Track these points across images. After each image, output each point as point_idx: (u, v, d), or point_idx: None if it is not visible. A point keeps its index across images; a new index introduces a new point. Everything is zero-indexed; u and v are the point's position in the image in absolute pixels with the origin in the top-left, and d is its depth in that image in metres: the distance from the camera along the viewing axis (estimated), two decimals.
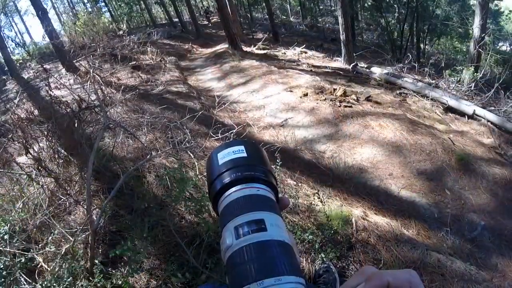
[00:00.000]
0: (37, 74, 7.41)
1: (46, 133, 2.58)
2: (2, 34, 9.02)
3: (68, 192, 2.39)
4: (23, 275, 1.92)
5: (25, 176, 2.56)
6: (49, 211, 2.26)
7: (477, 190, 2.98)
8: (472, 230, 2.64)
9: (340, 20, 6.99)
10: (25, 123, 2.53)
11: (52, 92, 2.85)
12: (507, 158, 3.37)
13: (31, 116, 2.62)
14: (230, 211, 0.41)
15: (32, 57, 9.67)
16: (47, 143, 2.92)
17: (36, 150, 2.96)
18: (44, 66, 7.67)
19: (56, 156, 2.91)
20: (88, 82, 2.66)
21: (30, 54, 10.46)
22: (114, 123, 2.38)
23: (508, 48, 12.94)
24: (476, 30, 7.15)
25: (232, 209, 0.41)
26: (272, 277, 0.35)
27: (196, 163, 2.60)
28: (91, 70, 3.05)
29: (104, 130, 2.09)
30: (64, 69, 6.87)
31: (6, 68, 8.15)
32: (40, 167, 2.06)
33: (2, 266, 1.82)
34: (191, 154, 2.68)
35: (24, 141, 2.24)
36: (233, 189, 0.43)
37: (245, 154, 0.45)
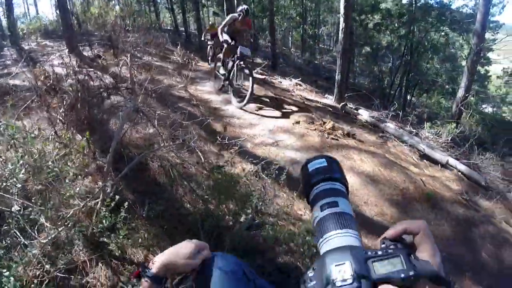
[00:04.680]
0: (39, 48, 7.43)
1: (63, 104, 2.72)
2: None
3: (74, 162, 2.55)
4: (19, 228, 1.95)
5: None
6: (53, 174, 2.36)
7: (441, 226, 3.33)
8: None
9: (338, 61, 7.48)
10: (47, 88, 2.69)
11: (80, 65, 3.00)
12: (472, 203, 3.78)
13: (53, 84, 2.77)
14: (318, 197, 0.67)
15: (40, 30, 9.64)
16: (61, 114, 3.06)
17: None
18: (45, 42, 7.75)
19: (66, 127, 3.05)
20: (121, 62, 2.85)
21: (40, 24, 10.27)
22: (140, 108, 2.60)
23: (491, 110, 13.94)
24: (461, 90, 7.85)
25: (319, 196, 0.67)
26: (347, 229, 0.61)
27: (202, 159, 2.84)
28: (130, 53, 3.24)
29: (130, 112, 2.32)
30: (67, 49, 6.91)
31: (9, 33, 8.06)
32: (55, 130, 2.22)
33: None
34: (199, 152, 2.92)
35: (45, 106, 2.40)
36: (320, 184, 0.69)
37: (326, 164, 0.71)
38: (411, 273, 0.50)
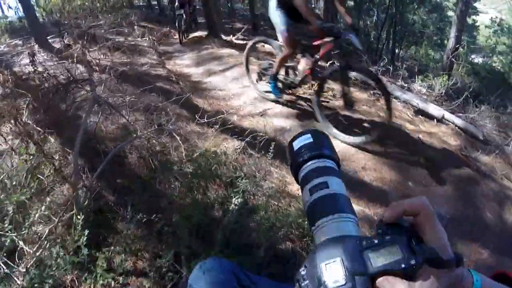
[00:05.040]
0: (9, 48, 6.97)
1: (25, 107, 2.49)
2: None
3: (49, 170, 2.34)
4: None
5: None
6: (26, 190, 2.19)
7: (443, 187, 3.19)
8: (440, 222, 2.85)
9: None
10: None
11: (34, 64, 2.74)
12: (471, 160, 3.63)
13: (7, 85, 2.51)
14: (306, 179, 0.60)
15: (7, 30, 9.09)
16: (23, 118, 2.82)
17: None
18: (15, 42, 7.30)
19: (33, 133, 2.82)
20: (75, 55, 2.55)
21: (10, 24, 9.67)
22: (102, 100, 2.34)
23: (481, 61, 13.73)
24: (451, 41, 7.57)
25: (307, 177, 0.60)
26: (340, 213, 0.54)
27: (182, 145, 2.62)
28: (80, 43, 2.91)
29: (92, 106, 2.06)
30: (37, 45, 6.55)
31: None
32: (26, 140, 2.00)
33: None
34: (177, 137, 2.69)
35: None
36: (308, 163, 0.62)
37: (311, 140, 0.64)
38: (412, 261, 0.45)
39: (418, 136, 3.87)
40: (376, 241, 0.48)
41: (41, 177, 2.38)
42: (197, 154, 2.44)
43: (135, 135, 2.36)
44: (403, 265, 0.45)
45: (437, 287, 0.45)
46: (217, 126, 3.17)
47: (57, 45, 6.62)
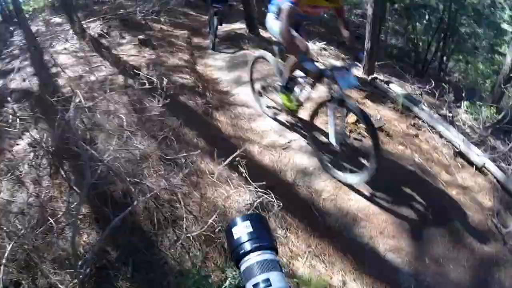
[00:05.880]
0: (45, 31, 7.00)
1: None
2: None
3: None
4: None
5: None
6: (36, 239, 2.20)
7: (461, 267, 2.88)
8: None
9: (367, 27, 6.57)
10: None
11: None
12: (501, 233, 3.23)
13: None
14: (249, 272, 0.62)
15: (47, 5, 9.13)
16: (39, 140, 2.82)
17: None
18: (54, 19, 7.34)
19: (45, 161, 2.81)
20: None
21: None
22: (100, 160, 2.26)
23: None
24: (505, 67, 6.71)
25: (250, 271, 0.62)
26: None
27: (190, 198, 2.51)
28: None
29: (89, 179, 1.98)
30: (71, 30, 6.53)
31: (15, 19, 7.61)
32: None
33: None
34: (177, 191, 2.59)
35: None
36: (249, 255, 0.63)
37: (251, 229, 0.65)
38: None
39: (451, 196, 3.53)
40: None
41: (50, 219, 2.37)
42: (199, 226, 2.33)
43: (135, 202, 2.26)
44: None
45: None
46: (232, 172, 3.02)
47: (92, 31, 6.57)
